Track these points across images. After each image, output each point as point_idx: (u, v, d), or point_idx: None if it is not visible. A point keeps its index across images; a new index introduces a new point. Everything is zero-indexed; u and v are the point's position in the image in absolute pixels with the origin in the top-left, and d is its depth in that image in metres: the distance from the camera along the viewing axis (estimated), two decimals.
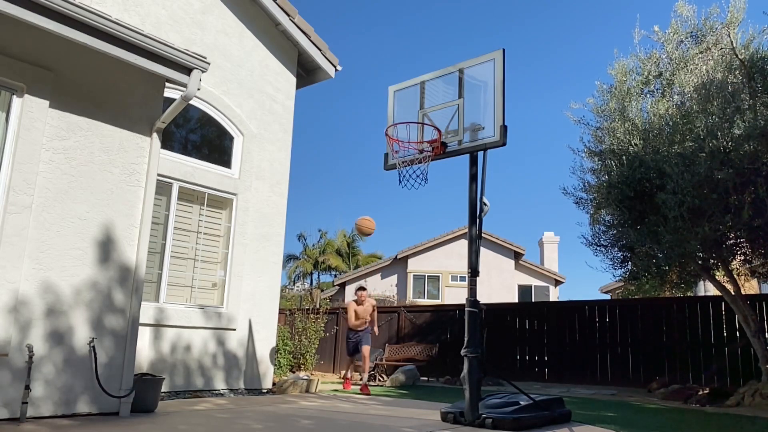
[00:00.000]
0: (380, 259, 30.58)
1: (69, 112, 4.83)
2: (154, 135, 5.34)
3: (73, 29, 4.44)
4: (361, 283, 10.42)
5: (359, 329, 9.59)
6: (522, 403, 5.19)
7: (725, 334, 9.87)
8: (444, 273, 25.17)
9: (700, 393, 8.52)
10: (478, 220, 5.37)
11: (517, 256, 25.90)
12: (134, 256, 5.12)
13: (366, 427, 5.04)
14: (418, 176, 5.34)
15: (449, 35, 59.65)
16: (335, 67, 8.81)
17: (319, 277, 36.88)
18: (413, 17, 58.95)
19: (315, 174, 57.36)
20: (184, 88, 5.10)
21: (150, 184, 5.27)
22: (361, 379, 9.83)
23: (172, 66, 5.02)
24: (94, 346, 4.72)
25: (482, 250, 24.75)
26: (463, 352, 5.13)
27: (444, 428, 4.93)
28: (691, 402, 8.15)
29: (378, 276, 27.06)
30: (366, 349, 9.45)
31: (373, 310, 9.74)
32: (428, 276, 25.66)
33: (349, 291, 26.21)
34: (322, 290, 29.93)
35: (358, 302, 9.67)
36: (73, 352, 4.67)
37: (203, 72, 5.16)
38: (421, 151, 5.35)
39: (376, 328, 9.90)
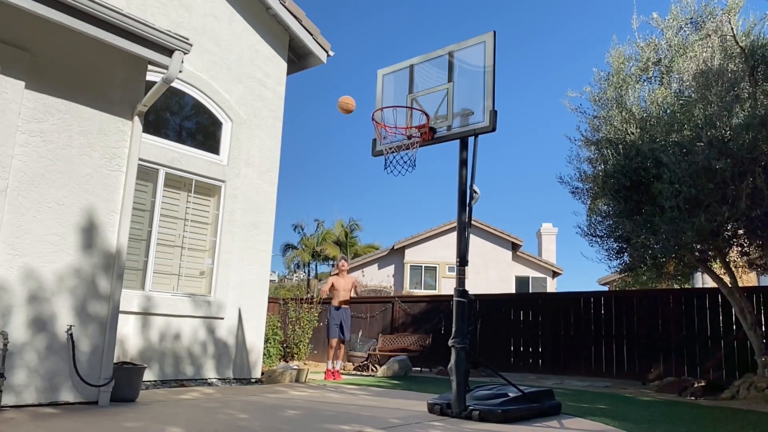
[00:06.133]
0: (377, 249, 30.48)
1: (46, 93, 4.69)
2: (136, 118, 5.20)
3: (50, 8, 4.29)
4: (344, 255, 10.13)
5: (341, 306, 9.20)
6: (510, 394, 5.09)
7: (721, 327, 9.77)
8: (441, 264, 25.06)
9: (695, 385, 8.43)
10: (468, 208, 5.24)
11: (514, 247, 25.79)
12: (115, 242, 5.00)
13: (352, 417, 4.95)
14: (405, 162, 5.21)
15: (443, 21, 59.26)
16: (327, 52, 8.64)
17: (317, 268, 36.83)
18: (407, 3, 58.57)
19: (309, 162, 57.18)
20: (165, 71, 4.95)
21: (131, 169, 5.13)
22: (342, 367, 9.70)
23: (153, 47, 4.88)
24: (71, 334, 4.61)
25: (480, 241, 24.87)
26: (450, 342, 5.02)
27: (430, 420, 4.84)
28: (685, 395, 8.06)
29: (375, 266, 26.98)
30: (344, 342, 9.38)
31: (353, 287, 9.35)
32: (425, 267, 25.56)
33: None
34: (320, 280, 29.88)
35: (339, 273, 9.35)
36: (54, 339, 4.56)
37: (185, 54, 5.02)
38: (410, 137, 5.21)
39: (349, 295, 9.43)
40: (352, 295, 9.42)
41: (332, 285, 9.28)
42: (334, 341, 9.16)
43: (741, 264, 8.90)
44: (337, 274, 9.44)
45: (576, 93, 9.09)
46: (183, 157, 7.04)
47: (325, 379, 8.88)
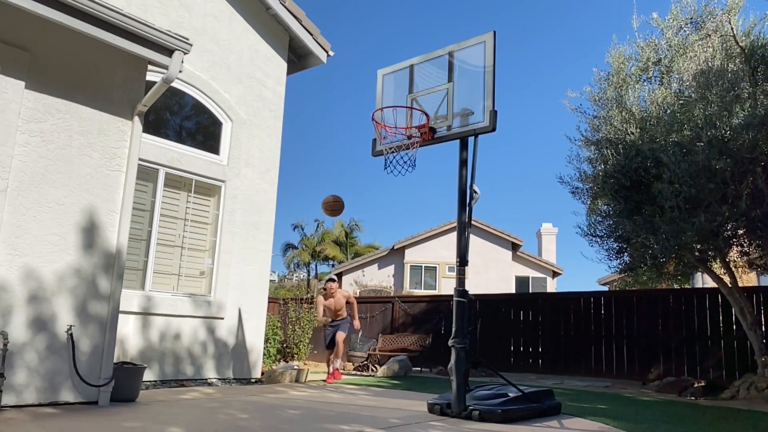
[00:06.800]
0: (377, 249, 30.48)
1: (46, 93, 4.69)
2: (136, 118, 5.20)
3: (50, 8, 4.29)
4: (332, 275, 9.90)
5: (336, 320, 8.75)
6: (510, 394, 5.09)
7: (721, 327, 9.77)
8: (441, 264, 25.05)
9: (695, 385, 8.43)
10: (468, 208, 5.24)
11: (514, 247, 25.77)
12: (115, 242, 5.00)
13: (352, 417, 4.95)
14: (405, 162, 5.21)
15: (443, 21, 59.39)
16: (327, 52, 8.64)
17: (317, 267, 36.85)
18: (407, 3, 58.64)
19: (309, 162, 57.23)
20: (165, 71, 4.96)
21: (131, 169, 5.13)
22: (342, 367, 9.55)
23: (153, 47, 4.88)
24: (71, 334, 4.61)
25: (480, 241, 24.87)
26: (450, 342, 5.02)
27: (430, 420, 4.83)
28: (685, 395, 8.06)
29: (375, 266, 26.97)
30: (341, 335, 8.57)
31: (348, 301, 8.89)
32: (425, 267, 25.55)
33: (346, 281, 26.14)
34: (320, 280, 29.90)
35: (327, 296, 8.73)
36: (54, 339, 4.56)
37: (185, 53, 5.02)
38: (410, 137, 5.21)
39: (356, 322, 8.93)
40: (356, 315, 8.99)
41: (323, 307, 8.77)
42: (328, 354, 8.81)
43: (741, 264, 8.90)
44: (326, 296, 8.81)
45: (576, 93, 9.09)
46: (183, 157, 7.04)
47: (326, 381, 8.57)
